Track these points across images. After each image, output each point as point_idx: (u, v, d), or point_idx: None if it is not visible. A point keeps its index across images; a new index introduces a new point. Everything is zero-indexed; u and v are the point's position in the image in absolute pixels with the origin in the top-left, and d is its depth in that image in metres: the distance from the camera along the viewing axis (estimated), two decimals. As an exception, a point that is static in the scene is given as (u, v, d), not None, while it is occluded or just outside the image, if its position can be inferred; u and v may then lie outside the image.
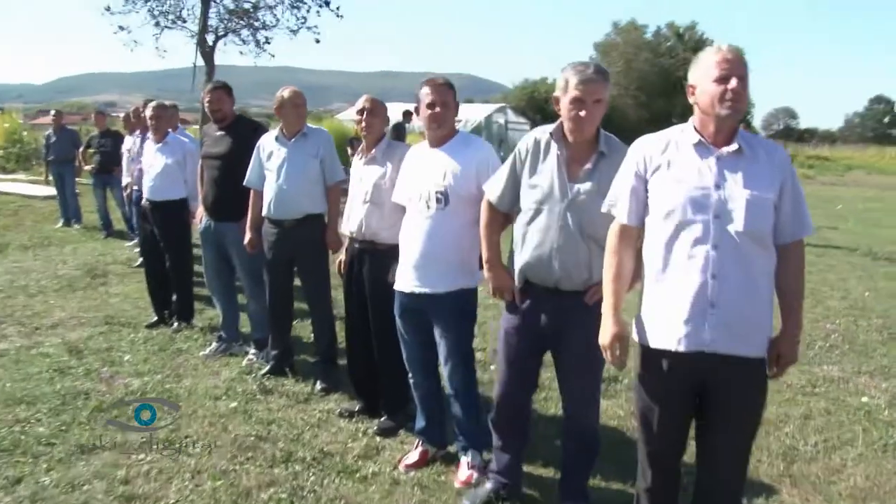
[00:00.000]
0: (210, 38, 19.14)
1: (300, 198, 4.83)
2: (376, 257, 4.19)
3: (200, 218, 5.55)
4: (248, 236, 5.11)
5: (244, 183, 5.07)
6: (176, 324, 6.27)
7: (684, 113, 3.23)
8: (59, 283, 7.90)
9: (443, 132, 3.68)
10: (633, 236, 2.77)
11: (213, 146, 5.37)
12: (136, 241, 9.89)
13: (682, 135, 2.67)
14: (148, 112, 6.21)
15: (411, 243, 3.70)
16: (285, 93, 4.89)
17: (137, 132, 8.61)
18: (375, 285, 4.18)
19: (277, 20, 19.59)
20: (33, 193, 14.71)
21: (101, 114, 11.57)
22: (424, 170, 3.70)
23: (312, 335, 5.31)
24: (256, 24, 19.35)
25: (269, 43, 19.81)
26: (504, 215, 3.38)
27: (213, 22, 19.22)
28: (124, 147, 9.78)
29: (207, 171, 5.41)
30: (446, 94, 3.64)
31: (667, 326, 2.61)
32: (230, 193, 5.23)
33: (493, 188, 3.35)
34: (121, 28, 19.50)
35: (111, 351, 5.69)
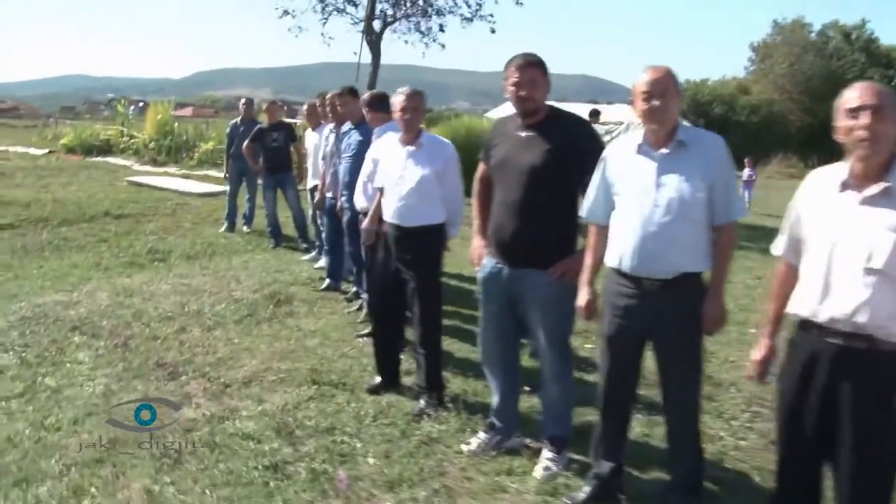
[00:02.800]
0: (377, 25, 17.69)
1: (675, 247, 2.96)
2: (878, 365, 2.34)
3: (479, 258, 3.79)
4: (584, 293, 3.29)
5: (581, 214, 3.29)
6: (423, 400, 4.37)
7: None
8: (239, 312, 6.38)
9: None
10: None
11: (515, 151, 3.51)
12: (312, 255, 8.51)
13: None
14: (399, 101, 4.32)
15: None
16: (645, 76, 3.03)
17: (332, 126, 7.04)
18: (873, 415, 2.33)
19: (455, 3, 17.98)
20: (188, 190, 13.69)
21: (274, 104, 10.07)
22: None
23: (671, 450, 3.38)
24: (430, 10, 17.76)
25: (442, 31, 18.28)
26: None
27: (380, 7, 17.82)
28: (308, 143, 8.35)
29: (501, 192, 3.58)
30: None
31: None
32: (543, 228, 3.44)
33: None
34: (286, 13, 18.72)
35: (335, 433, 4.04)
